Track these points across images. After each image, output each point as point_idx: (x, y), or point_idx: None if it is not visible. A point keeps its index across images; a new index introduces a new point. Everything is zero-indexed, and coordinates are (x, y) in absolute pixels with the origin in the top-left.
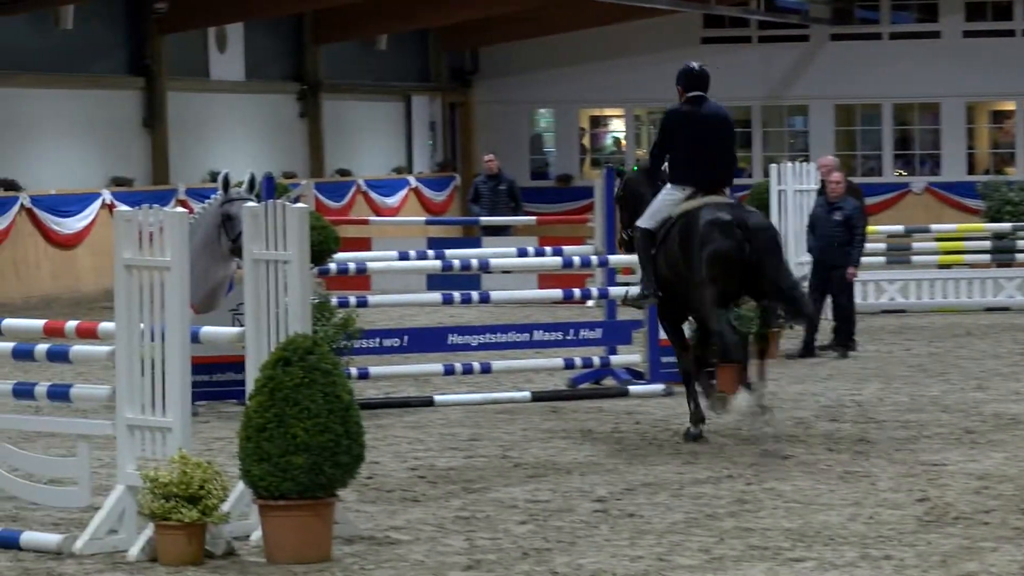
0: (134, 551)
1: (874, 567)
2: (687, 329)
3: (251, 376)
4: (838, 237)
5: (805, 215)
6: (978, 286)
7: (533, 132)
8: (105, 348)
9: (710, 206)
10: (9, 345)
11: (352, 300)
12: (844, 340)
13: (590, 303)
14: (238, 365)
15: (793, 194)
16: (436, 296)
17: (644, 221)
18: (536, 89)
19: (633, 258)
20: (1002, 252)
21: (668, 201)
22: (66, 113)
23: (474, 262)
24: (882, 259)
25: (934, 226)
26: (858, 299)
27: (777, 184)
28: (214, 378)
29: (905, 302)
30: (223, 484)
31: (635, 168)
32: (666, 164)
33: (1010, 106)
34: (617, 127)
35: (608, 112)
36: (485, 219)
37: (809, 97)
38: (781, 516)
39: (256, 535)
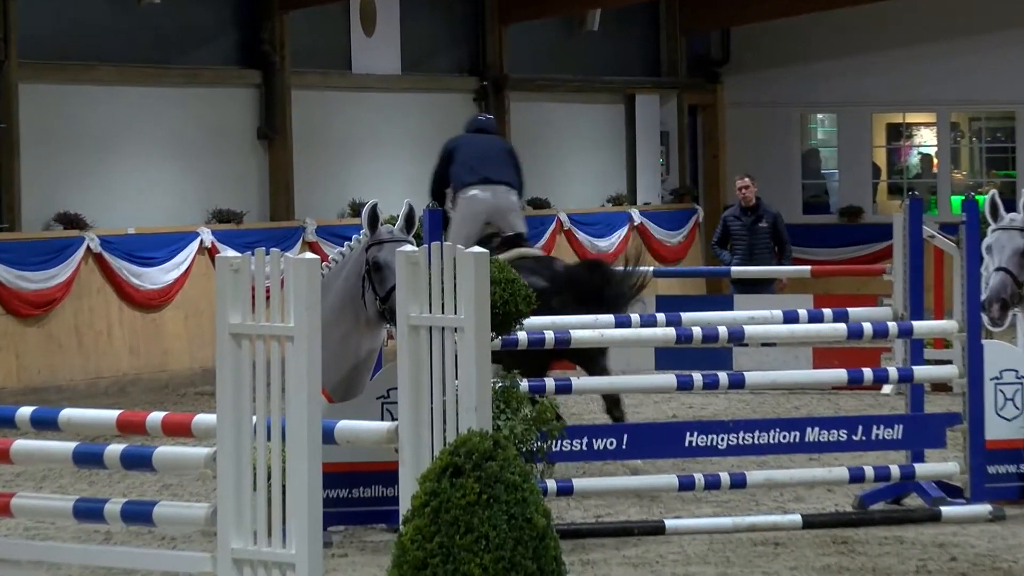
0: None
1: None
2: None
3: (407, 491)
4: None
5: None
6: None
7: (806, 147)
8: (203, 450)
9: None
10: (70, 445)
11: (550, 383)
12: None
13: (887, 389)
14: (388, 475)
15: None
16: (669, 378)
17: None
18: (810, 86)
19: (947, 324)
20: None
21: None
22: (150, 120)
23: (722, 330)
24: None
25: None
26: None
27: None
28: (355, 494)
29: None
30: None
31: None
32: None
33: None
34: (927, 139)
35: (914, 119)
36: (738, 269)
37: None
38: None
39: None
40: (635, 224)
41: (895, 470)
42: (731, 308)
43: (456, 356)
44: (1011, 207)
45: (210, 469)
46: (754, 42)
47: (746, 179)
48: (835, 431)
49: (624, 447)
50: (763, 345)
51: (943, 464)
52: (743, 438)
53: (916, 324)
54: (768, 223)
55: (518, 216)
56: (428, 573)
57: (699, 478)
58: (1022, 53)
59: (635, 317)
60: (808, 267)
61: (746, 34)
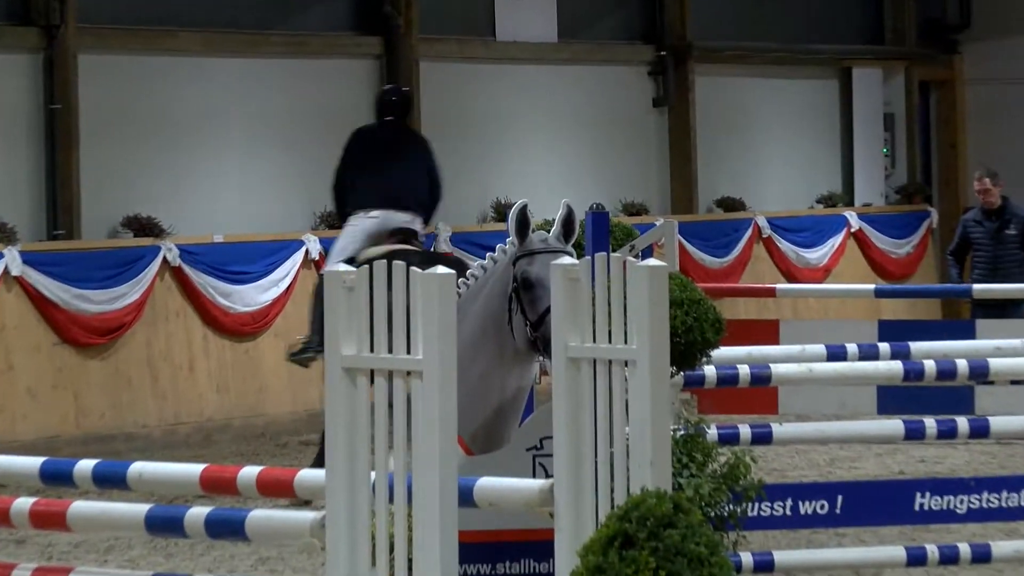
0: None
1: None
2: None
3: (564, 567)
4: None
5: None
6: None
7: None
8: (310, 514)
9: None
10: (143, 508)
11: (746, 431)
12: None
13: None
14: (543, 546)
15: None
16: (895, 424)
17: None
18: None
19: None
20: None
21: None
22: (245, 100)
23: (961, 364)
24: None
25: None
26: None
27: None
28: (499, 570)
29: None
30: None
31: None
32: None
33: None
34: None
35: None
36: (980, 287)
37: None
38: None
39: None
40: (853, 230)
41: None
42: (972, 336)
43: (627, 396)
44: None
45: (317, 539)
46: (1002, 3)
47: (986, 179)
48: None
49: (838, 511)
50: (1012, 383)
51: None
52: (987, 500)
53: None
54: (1017, 230)
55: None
56: None
57: (932, 550)
58: None
59: (851, 348)
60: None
61: None
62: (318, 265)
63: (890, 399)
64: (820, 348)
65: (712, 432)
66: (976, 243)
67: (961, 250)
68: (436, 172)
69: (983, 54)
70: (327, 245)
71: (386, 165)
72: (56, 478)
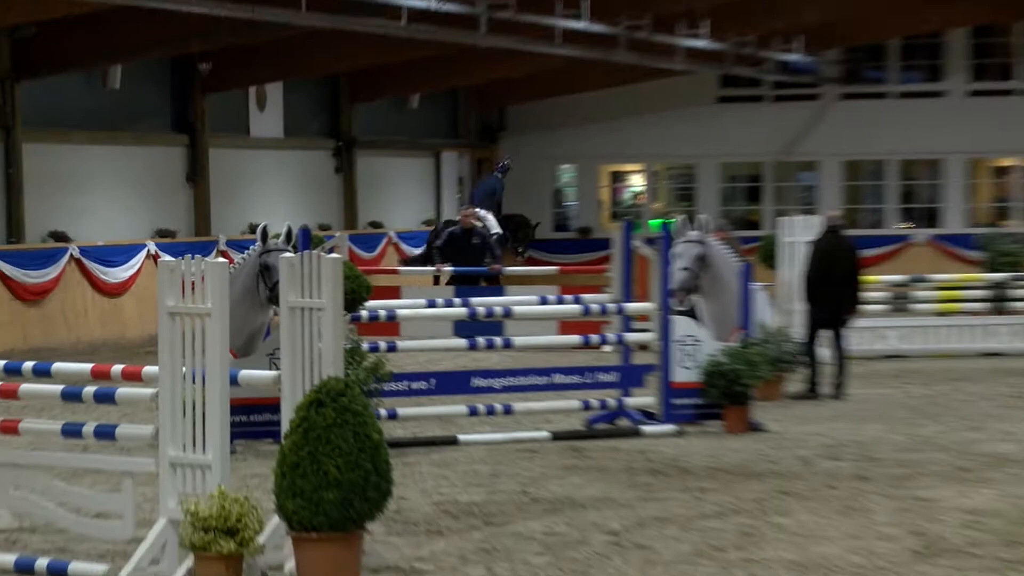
0: None
1: None
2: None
3: (286, 417)
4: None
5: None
6: (974, 332)
7: (555, 186)
8: (149, 391)
9: None
10: (59, 388)
11: (382, 345)
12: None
13: (607, 348)
14: (274, 406)
15: (801, 245)
16: (461, 342)
17: None
18: (560, 146)
19: (647, 305)
20: (998, 301)
21: None
22: (114, 168)
23: (498, 309)
24: (884, 307)
25: (934, 276)
26: (860, 345)
27: (786, 236)
28: (251, 419)
29: (905, 348)
30: (259, 518)
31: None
32: None
33: (1009, 162)
34: (636, 182)
35: (628, 168)
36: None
37: (819, 153)
38: (783, 548)
39: (290, 565)
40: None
41: (612, 402)
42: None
43: (320, 327)
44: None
45: (154, 403)
46: (522, 116)
47: (472, 209)
48: (573, 376)
49: (433, 388)
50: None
51: (644, 398)
52: (511, 381)
53: (627, 305)
54: (479, 241)
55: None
56: (300, 471)
57: (481, 408)
58: (697, 123)
59: (439, 300)
60: (557, 267)
61: (517, 110)
62: (155, 258)
63: (460, 328)
64: (422, 300)
65: (365, 346)
66: (452, 246)
67: (428, 250)
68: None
69: (513, 144)
70: (160, 247)
71: None
72: (12, 371)
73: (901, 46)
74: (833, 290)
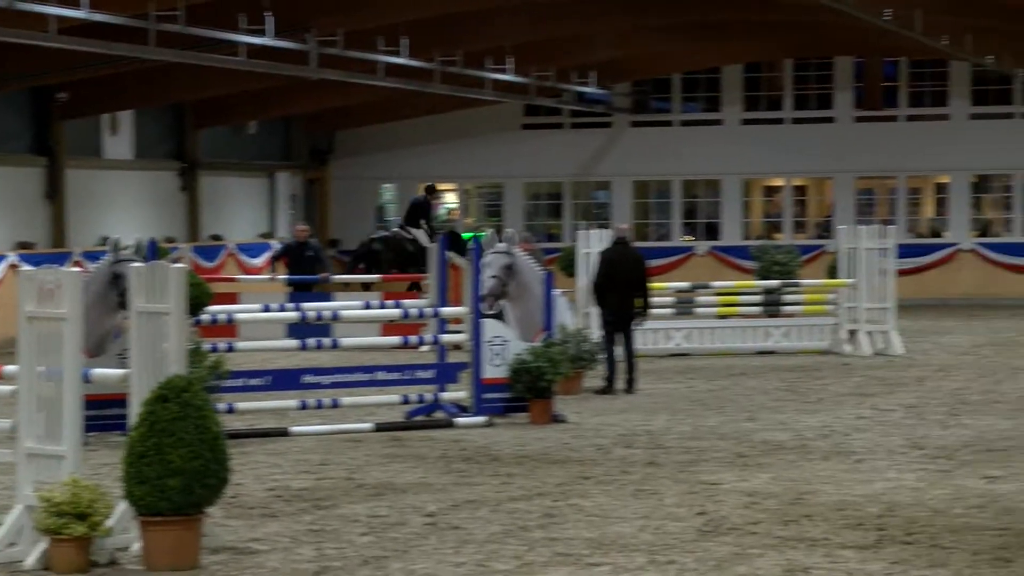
0: (30, 561)
1: (660, 571)
2: None
3: (134, 411)
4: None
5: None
6: (750, 333)
7: (378, 203)
8: (8, 387)
9: None
10: None
11: (222, 346)
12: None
13: (424, 348)
14: (123, 402)
15: (596, 255)
16: (294, 342)
17: None
18: (382, 167)
19: (460, 309)
20: (770, 305)
21: None
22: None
23: (327, 313)
24: (670, 310)
25: (714, 283)
26: (649, 344)
27: (583, 247)
28: (103, 413)
29: (689, 347)
30: (108, 503)
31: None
32: None
33: (779, 182)
34: (450, 200)
35: (443, 187)
36: (340, 278)
37: (611, 174)
38: (582, 527)
39: (136, 547)
40: (275, 249)
41: (429, 396)
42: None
43: (166, 329)
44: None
45: (13, 399)
46: (349, 140)
47: (305, 226)
48: (394, 373)
49: (267, 384)
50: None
51: (457, 393)
52: (339, 378)
53: (443, 309)
54: (313, 252)
55: None
56: (146, 460)
57: (312, 402)
58: (504, 147)
59: (274, 305)
60: (380, 276)
61: (344, 135)
62: (15, 267)
63: (293, 330)
64: (258, 305)
65: (206, 346)
66: (296, 259)
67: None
68: None
69: (340, 166)
70: (20, 258)
71: None
72: None
73: (683, 80)
74: (618, 294)
